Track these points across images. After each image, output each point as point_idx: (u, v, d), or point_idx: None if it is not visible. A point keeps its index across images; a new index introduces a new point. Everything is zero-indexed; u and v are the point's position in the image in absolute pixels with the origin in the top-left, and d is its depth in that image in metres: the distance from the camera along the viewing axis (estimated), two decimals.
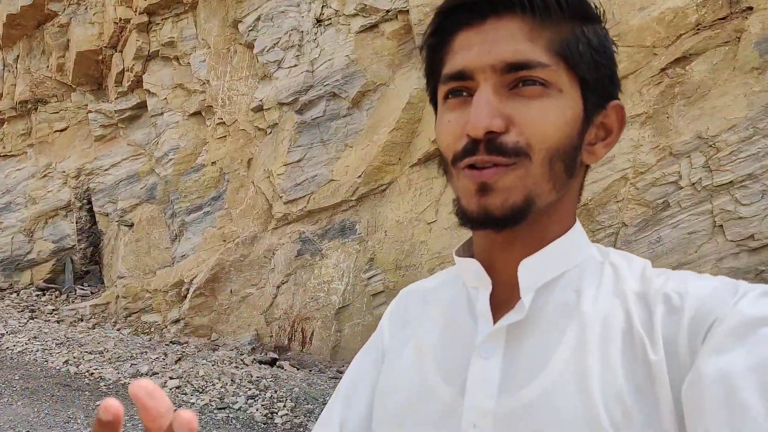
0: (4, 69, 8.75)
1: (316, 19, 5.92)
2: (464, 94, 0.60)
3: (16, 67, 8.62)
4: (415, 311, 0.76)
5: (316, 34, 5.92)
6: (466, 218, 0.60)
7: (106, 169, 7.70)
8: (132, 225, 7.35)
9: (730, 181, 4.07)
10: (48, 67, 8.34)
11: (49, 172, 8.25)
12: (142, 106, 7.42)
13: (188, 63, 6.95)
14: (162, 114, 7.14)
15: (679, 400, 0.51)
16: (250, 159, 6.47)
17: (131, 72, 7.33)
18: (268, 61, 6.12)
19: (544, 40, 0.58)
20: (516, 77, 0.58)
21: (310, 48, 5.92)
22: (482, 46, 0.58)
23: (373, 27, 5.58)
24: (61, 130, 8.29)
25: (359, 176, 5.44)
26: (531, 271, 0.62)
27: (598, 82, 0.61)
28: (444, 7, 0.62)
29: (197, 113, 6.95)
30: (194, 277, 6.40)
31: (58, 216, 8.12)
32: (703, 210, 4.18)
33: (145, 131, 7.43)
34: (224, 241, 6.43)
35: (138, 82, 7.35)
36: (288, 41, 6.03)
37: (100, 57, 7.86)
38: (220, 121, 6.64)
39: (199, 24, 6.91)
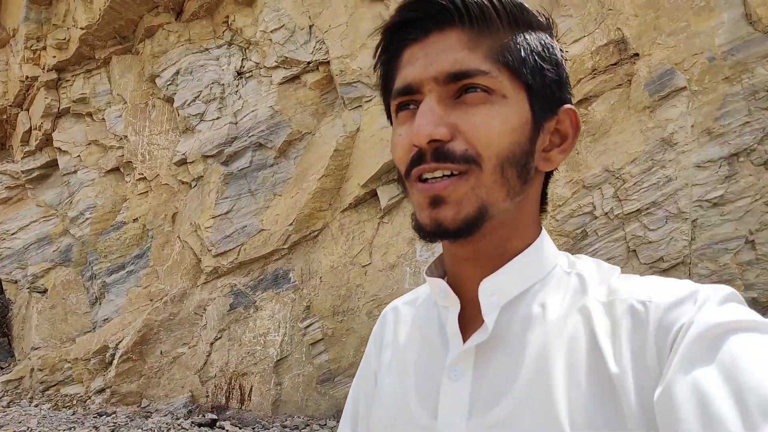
0: None
1: (237, 72, 5.97)
2: (411, 107, 0.61)
3: None
4: (393, 331, 0.76)
5: (237, 86, 5.96)
6: (421, 231, 0.61)
7: (13, 233, 7.21)
8: (45, 291, 6.89)
9: (638, 209, 4.45)
10: None
11: None
12: (52, 164, 7.08)
13: (103, 119, 6.74)
14: (75, 172, 6.84)
15: (647, 411, 0.50)
16: (175, 213, 6.31)
17: (39, 130, 7.01)
18: (190, 115, 6.07)
19: (484, 48, 0.59)
20: (458, 86, 0.58)
21: (232, 100, 5.94)
22: (425, 59, 0.59)
23: (294, 78, 5.69)
24: None
25: (290, 224, 5.45)
26: (492, 290, 0.62)
27: (544, 87, 0.61)
28: (389, 25, 0.63)
29: (115, 169, 6.72)
30: (119, 341, 6.07)
31: None
32: (617, 237, 4.53)
33: (57, 191, 7.07)
34: (151, 300, 6.17)
35: (47, 140, 7.03)
36: (209, 94, 6.02)
37: (4, 116, 7.46)
38: (141, 176, 6.46)
39: (114, 79, 6.76)
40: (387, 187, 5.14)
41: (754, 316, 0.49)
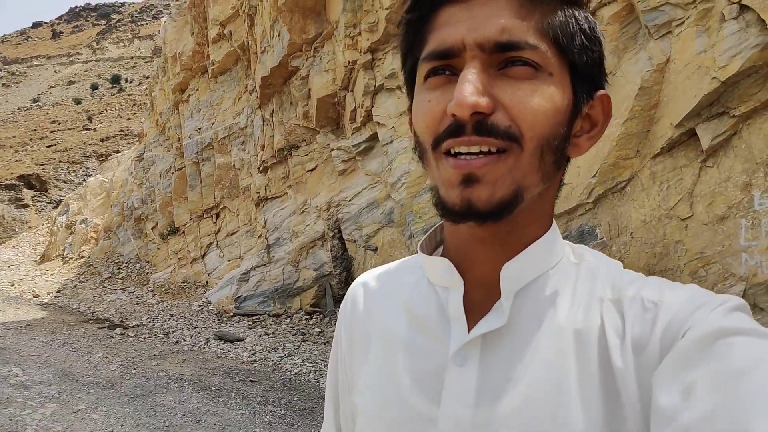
0: (263, 124, 10.24)
1: None
2: (447, 73, 0.56)
3: (272, 120, 10.02)
4: (367, 307, 0.72)
5: None
6: (446, 210, 0.56)
7: (350, 200, 8.42)
8: (376, 249, 7.89)
9: None
10: (296, 116, 9.51)
11: (305, 208, 9.36)
12: (374, 137, 7.98)
13: None
14: (392, 142, 7.57)
15: (646, 408, 0.50)
16: None
17: (362, 108, 7.95)
18: None
19: (534, 19, 0.55)
20: (504, 57, 0.54)
21: None
22: (470, 22, 0.55)
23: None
24: (312, 170, 9.34)
25: (593, 176, 5.03)
26: (513, 275, 0.59)
27: (587, 68, 0.58)
28: None
29: None
30: None
31: (316, 246, 9.13)
32: None
33: (379, 160, 7.95)
34: None
35: (368, 117, 7.93)
36: None
37: (336, 99, 8.70)
38: None
39: None
40: (709, 123, 4.28)
41: (757, 325, 0.49)
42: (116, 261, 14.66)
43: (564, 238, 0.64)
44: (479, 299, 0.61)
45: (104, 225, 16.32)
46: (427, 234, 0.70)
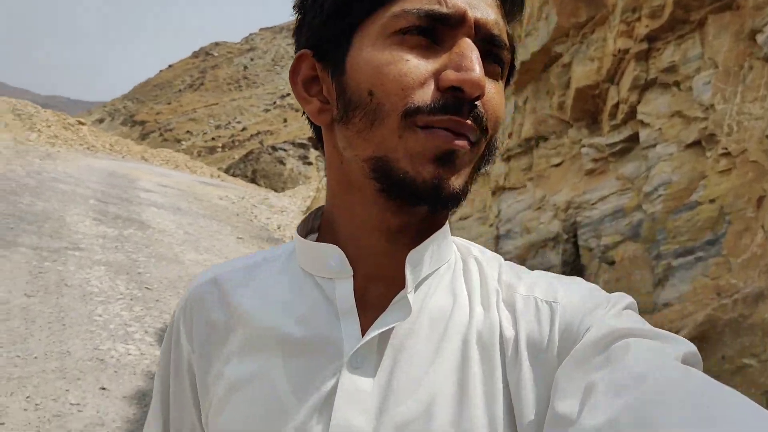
0: (515, 111, 9.84)
1: None
2: (427, 39, 0.53)
3: (524, 108, 9.56)
4: (234, 297, 0.63)
5: None
6: (403, 187, 0.52)
7: (593, 204, 7.63)
8: (613, 263, 7.02)
9: None
10: (550, 105, 8.90)
11: (542, 205, 8.77)
12: (633, 138, 7.04)
13: (689, 87, 6.18)
14: (654, 146, 6.58)
15: (543, 406, 0.50)
16: (762, 197, 5.21)
17: (625, 103, 7.06)
18: None
19: (507, 24, 0.56)
20: (486, 49, 0.54)
21: None
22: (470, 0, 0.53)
23: None
24: (557, 165, 8.70)
25: None
26: (416, 264, 0.57)
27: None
28: None
29: (695, 143, 6.10)
30: (678, 331, 5.56)
31: (547, 247, 8.52)
32: None
33: (635, 164, 7.01)
34: (718, 294, 5.37)
35: (632, 114, 7.01)
36: None
37: (597, 91, 7.88)
38: (725, 151, 5.62)
39: (707, 42, 6.06)
40: None
41: (646, 324, 0.52)
42: None
43: None
44: (369, 294, 0.59)
45: None
46: (303, 218, 0.66)
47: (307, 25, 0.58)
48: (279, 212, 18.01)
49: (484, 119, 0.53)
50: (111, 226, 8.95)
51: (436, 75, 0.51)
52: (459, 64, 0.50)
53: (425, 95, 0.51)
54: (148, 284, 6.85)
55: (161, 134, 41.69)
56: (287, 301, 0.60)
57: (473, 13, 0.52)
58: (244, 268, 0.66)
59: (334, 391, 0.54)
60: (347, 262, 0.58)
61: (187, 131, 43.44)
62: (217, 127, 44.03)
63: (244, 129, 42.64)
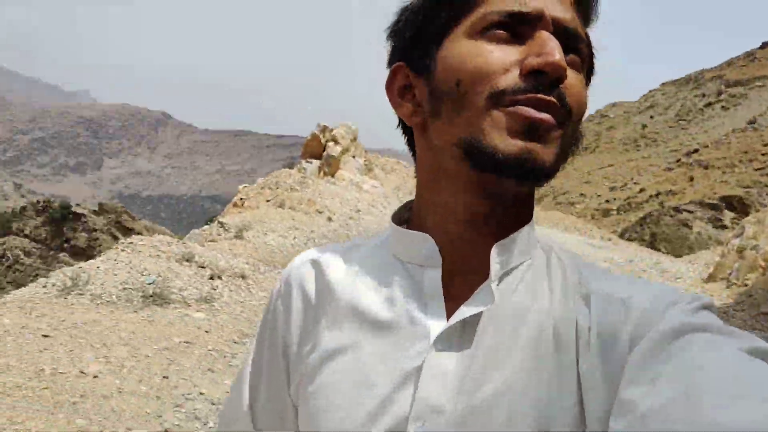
0: None
1: None
2: (510, 34, 0.57)
3: None
4: (331, 278, 0.67)
5: None
6: (494, 161, 0.54)
7: None
8: None
9: None
10: None
11: None
12: None
13: None
14: None
15: (611, 403, 0.51)
16: None
17: None
18: None
19: (581, 24, 0.60)
20: (566, 44, 0.57)
21: None
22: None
23: None
24: None
25: None
26: (502, 255, 0.60)
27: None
28: None
29: None
30: None
31: None
32: None
33: None
34: None
35: None
36: None
37: None
38: None
39: None
40: None
41: (720, 323, 0.51)
42: None
43: None
44: (455, 285, 0.61)
45: None
46: (396, 210, 0.70)
47: (400, 41, 0.65)
48: (672, 278, 16.03)
49: (567, 100, 0.55)
50: None
51: (520, 63, 0.55)
52: (540, 51, 0.54)
53: (509, 80, 0.54)
54: None
55: (554, 197, 42.86)
56: (379, 283, 0.64)
57: (550, 12, 0.56)
58: (340, 252, 0.71)
59: (419, 369, 0.57)
60: (437, 250, 0.61)
61: (581, 194, 43.52)
62: (612, 189, 42.88)
63: (641, 190, 40.32)
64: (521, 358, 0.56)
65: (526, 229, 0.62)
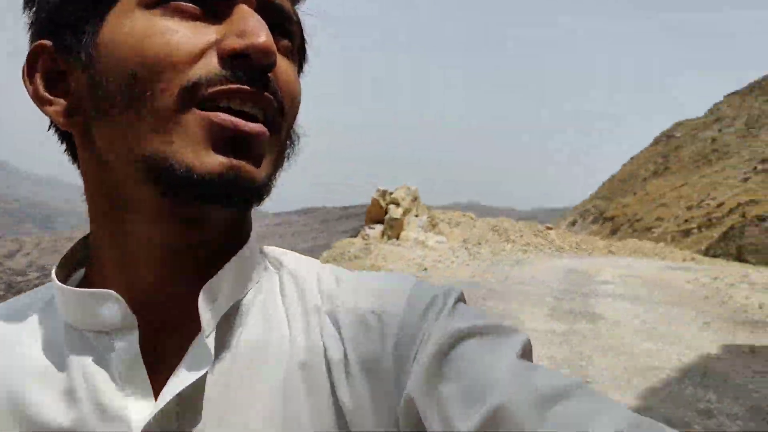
0: None
1: None
2: (201, 9, 0.44)
3: None
4: None
5: None
6: (189, 183, 0.41)
7: None
8: None
9: None
10: None
11: None
12: None
13: None
14: None
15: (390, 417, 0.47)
16: None
17: None
18: None
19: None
20: (273, 23, 0.47)
21: None
22: None
23: None
24: None
25: None
26: (214, 298, 0.47)
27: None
28: None
29: None
30: None
31: None
32: None
33: None
34: None
35: None
36: None
37: None
38: None
39: None
40: None
41: (480, 319, 0.48)
42: None
43: None
44: (164, 347, 0.47)
45: None
46: (64, 255, 0.51)
47: (42, 11, 0.47)
48: (764, 289, 15.16)
49: (279, 94, 0.45)
50: (562, 321, 9.34)
51: (217, 45, 0.43)
52: (242, 29, 0.42)
53: (204, 67, 0.42)
54: (590, 377, 6.78)
55: (630, 225, 41.46)
56: (50, 369, 0.46)
57: None
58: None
59: None
60: (127, 307, 0.45)
61: (657, 218, 41.87)
62: (689, 208, 41.02)
63: (720, 204, 38.42)
64: (265, 416, 0.45)
65: (238, 256, 0.49)
